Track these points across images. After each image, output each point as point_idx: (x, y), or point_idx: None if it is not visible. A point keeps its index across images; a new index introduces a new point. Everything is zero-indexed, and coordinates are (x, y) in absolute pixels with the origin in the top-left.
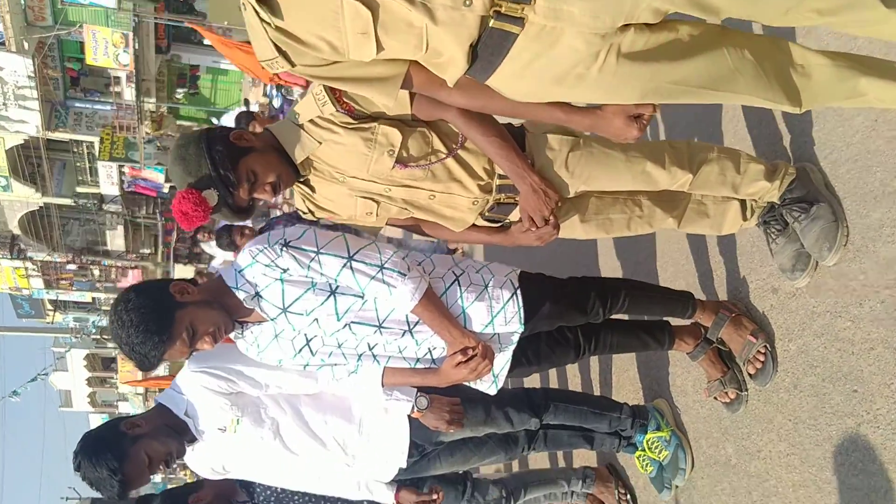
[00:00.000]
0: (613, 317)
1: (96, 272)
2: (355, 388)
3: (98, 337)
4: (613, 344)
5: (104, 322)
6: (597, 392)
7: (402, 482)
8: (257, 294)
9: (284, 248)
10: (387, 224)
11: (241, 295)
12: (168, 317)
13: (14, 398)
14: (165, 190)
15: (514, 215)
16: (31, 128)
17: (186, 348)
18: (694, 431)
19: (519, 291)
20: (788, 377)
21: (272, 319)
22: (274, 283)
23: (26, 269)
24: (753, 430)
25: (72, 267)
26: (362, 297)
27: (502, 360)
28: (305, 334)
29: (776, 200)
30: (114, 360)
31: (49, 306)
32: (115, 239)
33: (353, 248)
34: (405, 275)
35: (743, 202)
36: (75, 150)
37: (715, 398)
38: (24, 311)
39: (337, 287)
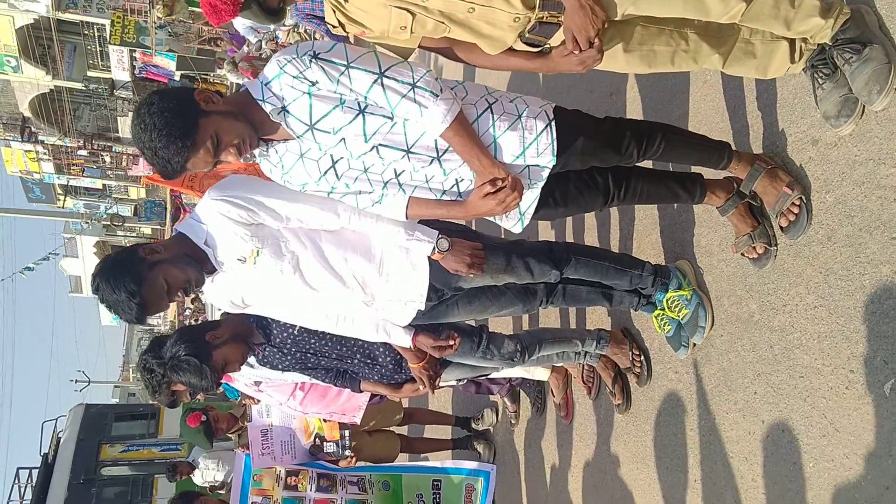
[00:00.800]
0: (645, 165)
1: (107, 159)
2: (377, 224)
3: (108, 224)
4: (643, 192)
5: (114, 209)
6: None
7: (419, 328)
8: (284, 108)
9: (313, 60)
10: (419, 46)
11: (267, 108)
12: (193, 123)
13: (25, 273)
14: (177, 77)
15: (556, 40)
16: (41, 7)
17: (210, 158)
18: (716, 290)
19: (553, 123)
20: (822, 229)
21: (298, 137)
22: (301, 97)
23: (37, 152)
24: (780, 285)
25: (83, 153)
26: (391, 119)
27: (530, 198)
28: (331, 155)
29: (828, 41)
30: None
31: (59, 191)
32: (126, 125)
33: (385, 64)
34: (438, 95)
35: (792, 43)
36: (86, 32)
37: (742, 254)
38: (35, 196)
39: (366, 106)
